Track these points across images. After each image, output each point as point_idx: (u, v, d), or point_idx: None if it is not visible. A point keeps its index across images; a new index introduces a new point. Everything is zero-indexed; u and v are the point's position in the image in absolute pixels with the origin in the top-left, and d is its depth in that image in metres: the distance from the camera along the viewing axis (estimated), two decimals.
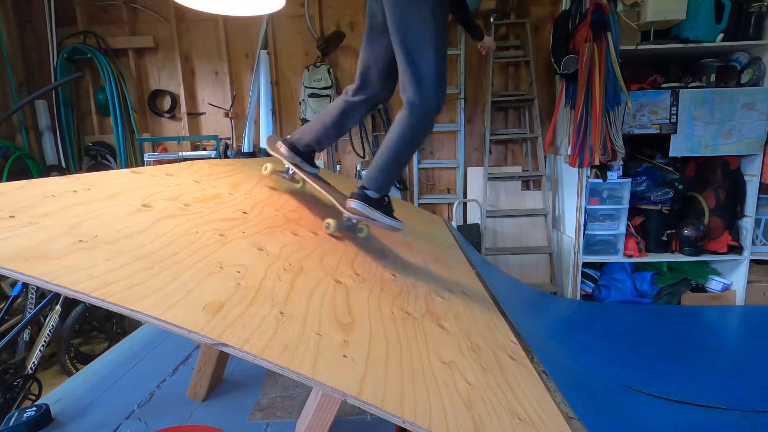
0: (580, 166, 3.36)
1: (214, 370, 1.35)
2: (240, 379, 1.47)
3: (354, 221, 1.47)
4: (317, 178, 1.66)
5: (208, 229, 0.99)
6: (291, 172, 1.68)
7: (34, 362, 2.48)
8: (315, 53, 3.99)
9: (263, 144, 3.22)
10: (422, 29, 1.31)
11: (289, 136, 1.68)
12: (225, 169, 1.61)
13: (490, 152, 4.04)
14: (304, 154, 1.65)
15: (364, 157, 4.14)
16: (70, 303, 2.71)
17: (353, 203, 1.41)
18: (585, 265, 3.64)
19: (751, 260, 3.53)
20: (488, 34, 3.82)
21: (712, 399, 2.31)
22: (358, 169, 4.04)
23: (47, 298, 2.58)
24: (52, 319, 2.58)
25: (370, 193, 1.43)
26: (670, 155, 3.39)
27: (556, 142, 3.83)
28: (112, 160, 4.05)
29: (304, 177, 1.62)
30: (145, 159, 3.78)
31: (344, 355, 0.74)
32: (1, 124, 3.57)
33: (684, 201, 3.62)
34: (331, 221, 1.42)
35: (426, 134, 1.46)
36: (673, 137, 3.34)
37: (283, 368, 0.64)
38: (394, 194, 3.99)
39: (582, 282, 3.69)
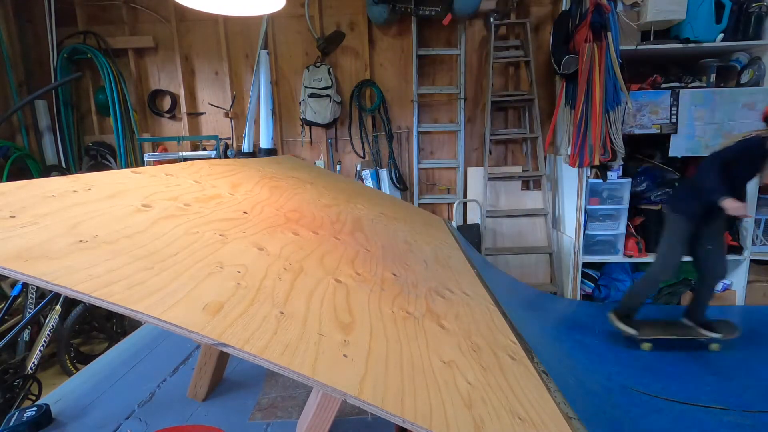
0: (580, 166, 3.36)
1: (215, 370, 1.35)
2: (240, 379, 1.47)
3: None
4: None
5: (208, 229, 0.99)
6: None
7: (34, 362, 2.49)
8: (315, 53, 3.99)
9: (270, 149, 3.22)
10: None
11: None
12: (225, 169, 1.60)
13: (490, 152, 4.04)
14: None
15: (364, 157, 4.14)
16: (70, 303, 2.71)
17: None
18: (585, 265, 3.64)
19: (751, 260, 3.53)
20: (488, 34, 3.84)
21: (712, 399, 2.31)
22: (358, 169, 4.04)
23: (47, 298, 2.58)
24: (52, 319, 2.59)
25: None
26: (670, 155, 3.39)
27: (556, 142, 3.83)
28: (112, 160, 4.05)
29: None
30: (145, 159, 3.78)
31: (344, 355, 0.74)
32: (1, 124, 3.57)
33: None
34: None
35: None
36: (673, 137, 3.34)
37: (283, 368, 0.64)
38: (395, 194, 3.99)
39: (582, 282, 3.69)
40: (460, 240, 2.46)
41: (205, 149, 4.06)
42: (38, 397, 2.40)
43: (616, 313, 2.96)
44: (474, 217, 4.09)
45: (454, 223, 3.92)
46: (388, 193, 3.94)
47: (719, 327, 2.87)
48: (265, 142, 3.10)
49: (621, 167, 3.44)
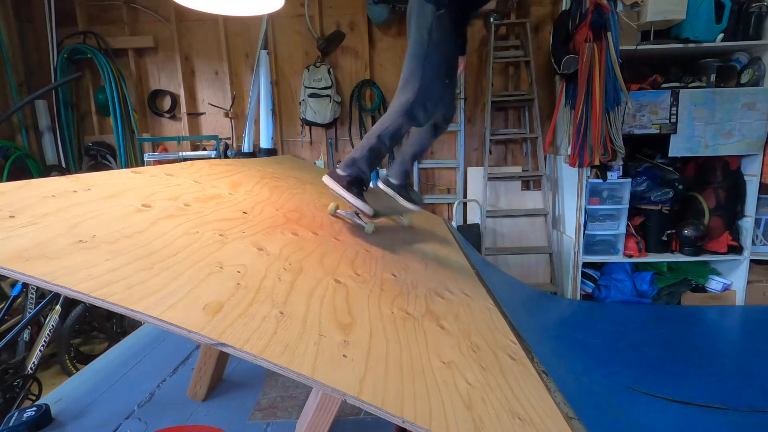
0: (580, 166, 3.36)
1: (214, 370, 1.35)
2: (240, 379, 1.47)
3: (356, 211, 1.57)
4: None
5: (208, 229, 0.99)
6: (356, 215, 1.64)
7: (34, 362, 2.49)
8: (315, 53, 3.99)
9: (263, 142, 3.22)
10: (415, 42, 1.51)
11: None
12: (225, 169, 1.61)
13: (490, 152, 4.04)
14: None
15: None
16: (70, 303, 2.71)
17: (324, 177, 1.55)
18: (585, 265, 3.64)
19: (751, 260, 3.52)
20: (488, 34, 3.84)
21: (712, 399, 2.31)
22: None
23: (47, 298, 2.58)
24: (52, 319, 2.58)
25: (339, 170, 1.54)
26: (670, 155, 3.39)
27: (556, 142, 3.83)
28: (112, 160, 4.05)
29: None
30: (145, 159, 3.78)
31: (344, 355, 0.74)
32: (1, 124, 3.57)
33: (684, 201, 3.62)
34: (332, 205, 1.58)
35: (396, 131, 1.53)
36: (672, 137, 3.34)
37: (283, 368, 0.64)
38: None
39: (582, 282, 3.69)
40: (460, 240, 2.46)
41: (205, 149, 4.06)
42: (38, 397, 2.40)
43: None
44: (474, 217, 4.09)
45: (454, 223, 3.92)
46: None
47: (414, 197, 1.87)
48: (265, 142, 3.10)
49: (621, 167, 3.44)
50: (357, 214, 1.65)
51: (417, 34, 1.50)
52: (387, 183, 1.75)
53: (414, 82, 1.50)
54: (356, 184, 1.53)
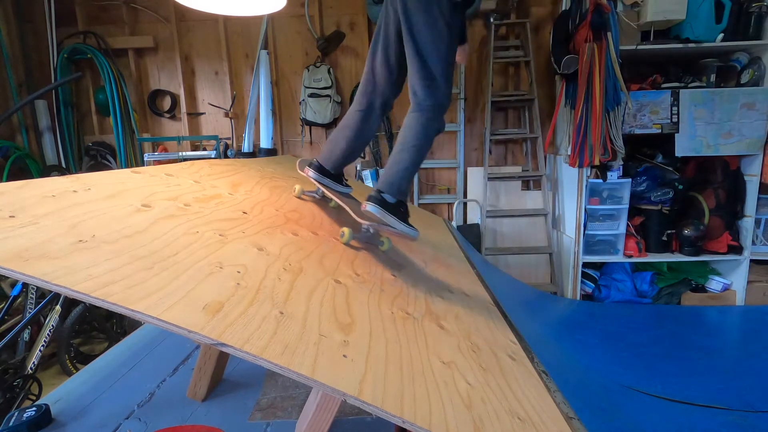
0: (580, 166, 3.36)
1: (214, 370, 1.35)
2: (240, 379, 1.47)
3: (372, 231, 1.42)
4: (347, 197, 1.66)
5: (208, 229, 0.99)
6: (320, 192, 1.69)
7: (34, 362, 2.49)
8: (315, 53, 3.99)
9: (262, 145, 3.23)
10: (435, 35, 1.37)
11: (316, 158, 1.68)
12: (225, 169, 1.61)
13: (490, 152, 4.04)
14: (333, 175, 1.67)
15: (364, 157, 4.14)
16: (70, 303, 2.71)
17: (369, 206, 1.35)
18: (585, 265, 3.64)
19: (751, 260, 3.53)
20: (488, 34, 3.84)
21: (712, 399, 2.31)
22: (358, 169, 4.03)
23: (47, 298, 2.58)
24: (52, 319, 2.58)
25: (387, 197, 1.37)
26: (676, 155, 3.39)
27: (556, 142, 3.83)
28: (112, 160, 4.05)
29: (333, 197, 1.61)
30: (145, 159, 3.78)
31: (344, 355, 0.74)
32: (1, 124, 3.57)
33: (684, 201, 3.62)
34: (346, 230, 1.37)
35: (438, 133, 1.47)
36: (677, 137, 3.34)
37: (283, 368, 0.64)
38: None
39: (582, 282, 3.69)
40: (460, 240, 2.46)
41: (205, 149, 4.06)
42: (38, 397, 2.40)
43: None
44: (474, 217, 4.09)
45: (454, 223, 3.92)
46: None
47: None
48: (265, 142, 3.10)
49: (621, 167, 3.44)
50: (323, 194, 1.65)
51: (433, 28, 1.36)
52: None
53: (443, 81, 1.40)
54: (404, 209, 1.40)
